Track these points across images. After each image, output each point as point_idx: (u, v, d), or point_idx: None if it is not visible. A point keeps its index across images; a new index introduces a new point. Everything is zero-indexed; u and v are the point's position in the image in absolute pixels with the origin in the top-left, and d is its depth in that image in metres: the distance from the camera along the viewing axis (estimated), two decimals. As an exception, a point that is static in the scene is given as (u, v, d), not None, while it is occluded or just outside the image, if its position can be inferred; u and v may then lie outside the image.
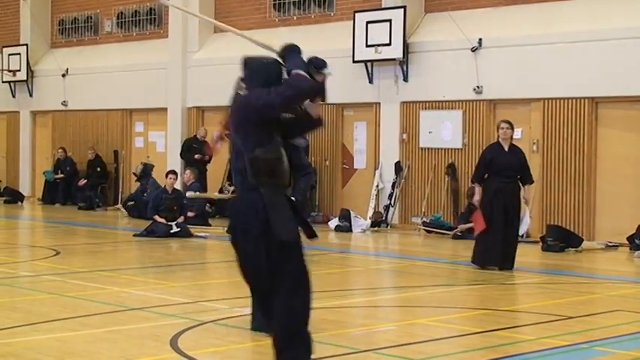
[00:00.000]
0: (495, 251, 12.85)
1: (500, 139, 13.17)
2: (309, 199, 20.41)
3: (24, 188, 27.09)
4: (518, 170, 13.13)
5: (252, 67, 6.13)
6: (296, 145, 7.94)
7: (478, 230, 13.07)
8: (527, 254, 15.12)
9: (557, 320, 9.32)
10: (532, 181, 13.58)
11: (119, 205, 23.42)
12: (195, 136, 22.10)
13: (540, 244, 15.84)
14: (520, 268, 13.37)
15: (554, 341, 8.27)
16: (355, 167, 20.40)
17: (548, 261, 13.98)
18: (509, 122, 13.34)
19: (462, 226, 17.38)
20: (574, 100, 16.99)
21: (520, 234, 15.15)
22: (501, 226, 12.83)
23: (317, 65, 7.16)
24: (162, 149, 23.89)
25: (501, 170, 12.96)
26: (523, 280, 12.26)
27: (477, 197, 13.15)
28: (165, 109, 23.74)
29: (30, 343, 7.99)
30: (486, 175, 13.10)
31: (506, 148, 13.10)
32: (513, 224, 13.09)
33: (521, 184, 13.25)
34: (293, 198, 7.75)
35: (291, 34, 21.58)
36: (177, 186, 19.26)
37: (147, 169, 22.60)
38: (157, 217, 17.22)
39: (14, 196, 25.96)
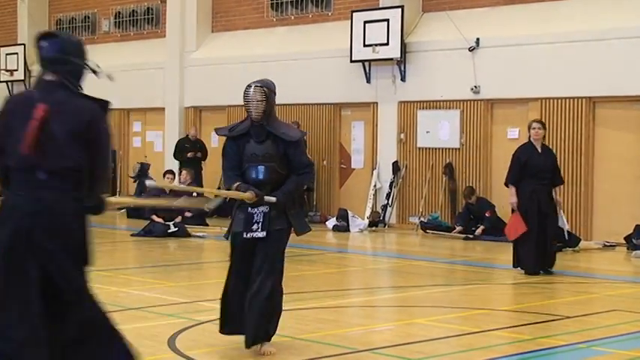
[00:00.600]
0: (534, 255, 12.48)
1: (532, 140, 12.73)
2: (304, 200, 20.38)
3: (21, 188, 27.04)
4: (552, 171, 12.76)
5: (75, 48, 5.14)
6: (293, 141, 7.49)
7: (518, 234, 12.51)
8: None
9: (554, 320, 9.33)
10: (562, 182, 13.28)
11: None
12: (187, 135, 22.15)
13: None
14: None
15: (552, 341, 8.28)
16: (353, 167, 20.40)
17: (545, 261, 13.96)
18: (541, 122, 12.99)
19: (478, 231, 17.32)
20: (572, 100, 17.00)
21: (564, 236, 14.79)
22: (537, 229, 12.44)
23: None
24: (159, 149, 23.88)
25: (537, 172, 12.53)
26: (520, 280, 12.26)
27: (513, 199, 12.57)
28: (162, 109, 23.73)
29: (28, 342, 7.97)
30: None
31: (539, 149, 12.70)
32: (552, 226, 12.74)
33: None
34: (274, 197, 7.35)
35: (289, 33, 21.61)
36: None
37: (144, 168, 22.63)
38: (154, 217, 17.22)
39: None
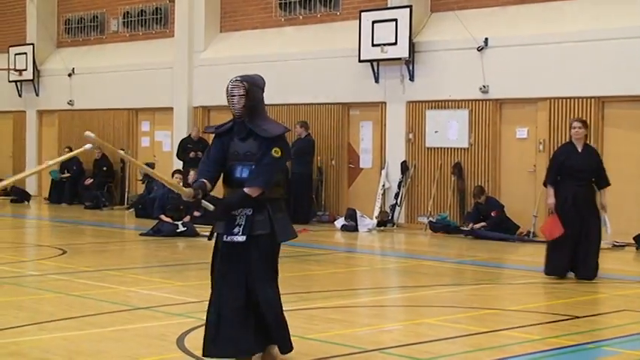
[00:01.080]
0: (566, 258, 12.02)
1: (573, 139, 12.23)
2: (312, 200, 20.37)
3: (30, 187, 27.11)
4: (594, 172, 12.22)
5: None
6: (269, 137, 6.94)
7: (554, 236, 12.09)
8: (533, 254, 15.11)
9: (563, 320, 9.31)
10: (609, 184, 12.53)
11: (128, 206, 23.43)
12: (190, 135, 22.19)
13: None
14: (526, 268, 13.38)
15: (561, 341, 8.26)
16: (361, 167, 20.39)
17: (554, 261, 13.94)
18: (582, 121, 12.42)
19: (477, 225, 17.32)
20: (580, 100, 16.96)
21: (606, 240, 14.26)
22: (575, 232, 11.98)
23: None
24: (168, 149, 23.90)
25: (575, 172, 12.04)
26: (529, 280, 12.24)
27: (550, 200, 12.13)
28: (171, 109, 23.75)
29: (37, 342, 8.00)
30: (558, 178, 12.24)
31: (579, 149, 12.17)
32: (590, 231, 12.11)
33: (596, 188, 12.31)
34: (212, 206, 6.98)
35: (297, 33, 21.61)
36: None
37: (150, 168, 22.68)
38: (163, 217, 17.24)
39: (21, 196, 26.00)
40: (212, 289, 7.03)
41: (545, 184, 12.54)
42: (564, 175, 12.15)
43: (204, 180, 6.98)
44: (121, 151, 7.29)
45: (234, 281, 6.92)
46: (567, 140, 12.69)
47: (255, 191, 6.84)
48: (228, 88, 6.95)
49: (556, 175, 12.23)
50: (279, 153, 6.94)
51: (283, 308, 7.11)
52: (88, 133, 6.55)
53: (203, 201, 6.98)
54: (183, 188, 7.00)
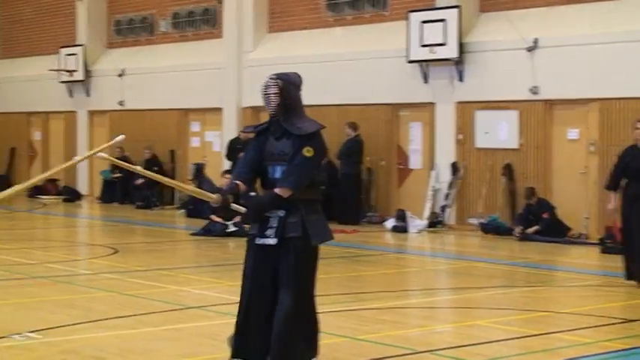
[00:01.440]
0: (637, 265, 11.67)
1: (636, 140, 11.83)
2: (360, 202, 20.35)
3: (82, 187, 27.40)
4: None
5: None
6: (301, 135, 6.75)
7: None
8: (586, 256, 14.99)
9: (617, 323, 9.23)
10: None
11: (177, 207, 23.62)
12: (239, 136, 22.24)
13: (600, 246, 15.63)
14: (578, 271, 13.26)
15: (615, 344, 8.19)
16: (411, 167, 20.34)
17: (607, 263, 13.81)
18: None
19: (530, 230, 17.14)
20: (632, 101, 16.77)
21: None
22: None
23: None
24: (218, 149, 24.01)
25: (639, 174, 11.69)
26: (582, 283, 12.14)
27: (611, 205, 11.96)
28: (220, 109, 23.87)
29: (90, 340, 8.09)
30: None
31: None
32: None
33: None
34: (243, 209, 6.95)
35: (346, 33, 21.61)
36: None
37: (199, 169, 22.89)
38: (213, 217, 17.33)
39: (72, 195, 26.33)
40: (242, 291, 6.89)
41: (607, 188, 12.28)
42: (630, 177, 11.83)
43: (237, 182, 6.86)
44: (138, 168, 7.38)
45: (264, 285, 6.75)
46: (632, 143, 12.12)
47: (285, 192, 6.65)
48: (262, 86, 6.87)
49: (618, 179, 11.95)
50: (311, 152, 6.71)
51: (324, 312, 6.98)
52: (101, 154, 6.73)
53: (233, 204, 6.88)
54: (210, 194, 6.93)
